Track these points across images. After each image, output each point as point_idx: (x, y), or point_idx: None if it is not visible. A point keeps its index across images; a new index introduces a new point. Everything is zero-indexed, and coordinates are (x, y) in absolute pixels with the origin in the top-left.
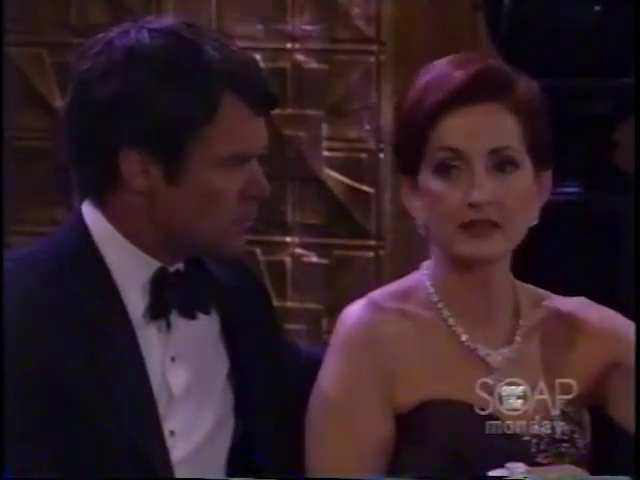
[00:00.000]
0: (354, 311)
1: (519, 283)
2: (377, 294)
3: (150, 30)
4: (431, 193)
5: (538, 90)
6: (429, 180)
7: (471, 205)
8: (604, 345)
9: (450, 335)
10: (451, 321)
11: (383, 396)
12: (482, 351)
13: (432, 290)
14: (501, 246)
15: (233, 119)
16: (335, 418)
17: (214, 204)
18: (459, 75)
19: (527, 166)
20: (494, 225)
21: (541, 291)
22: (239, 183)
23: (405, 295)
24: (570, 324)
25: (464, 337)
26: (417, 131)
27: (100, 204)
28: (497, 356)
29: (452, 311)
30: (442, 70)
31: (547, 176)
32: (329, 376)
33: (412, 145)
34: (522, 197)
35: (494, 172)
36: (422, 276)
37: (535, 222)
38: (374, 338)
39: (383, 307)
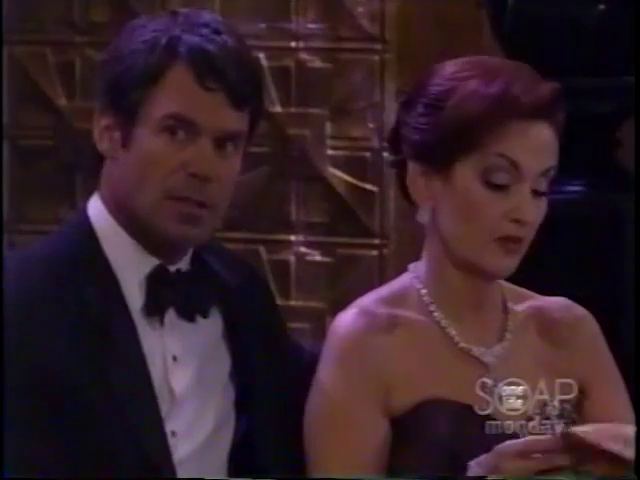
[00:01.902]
0: (346, 320)
1: (501, 282)
2: (367, 300)
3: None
4: (471, 197)
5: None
6: (470, 182)
7: (516, 221)
8: (583, 345)
9: (444, 337)
10: (444, 323)
11: (377, 402)
12: (476, 351)
13: (424, 292)
14: (516, 264)
15: (177, 85)
16: (330, 426)
17: (149, 170)
18: (534, 95)
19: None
20: (521, 243)
21: (522, 290)
22: (180, 155)
23: (396, 299)
24: (552, 323)
25: (457, 338)
26: (475, 137)
27: (99, 185)
28: (491, 354)
29: (445, 313)
30: (510, 85)
31: None
32: (324, 384)
33: (461, 145)
34: (541, 220)
35: (533, 195)
36: (412, 279)
37: None
38: (366, 346)
39: (374, 313)
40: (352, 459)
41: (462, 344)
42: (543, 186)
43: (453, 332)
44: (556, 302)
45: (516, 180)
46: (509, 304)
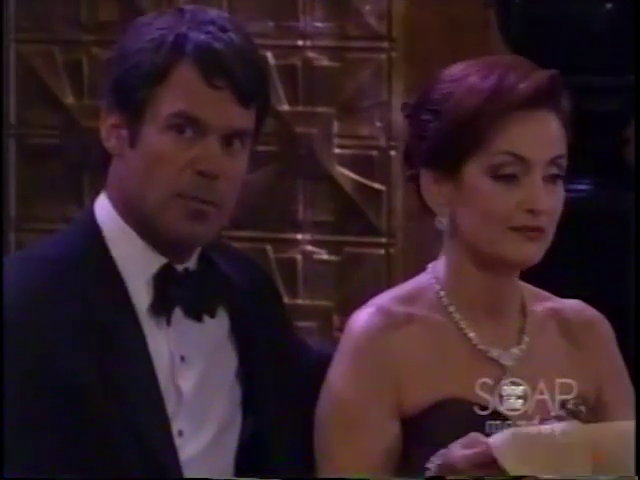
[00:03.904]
0: (362, 318)
1: (521, 283)
2: (384, 299)
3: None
4: (481, 193)
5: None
6: (479, 179)
7: (530, 212)
8: (598, 346)
9: (461, 337)
10: (462, 324)
11: (390, 402)
12: (494, 352)
13: (442, 293)
14: (540, 252)
15: (184, 82)
16: (343, 424)
17: (157, 169)
18: (529, 83)
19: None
20: (541, 232)
21: (540, 291)
22: (187, 153)
23: (412, 298)
24: (567, 324)
25: (476, 340)
26: (477, 133)
27: (107, 183)
28: (509, 356)
29: (463, 313)
30: (505, 75)
31: None
32: (337, 382)
33: (465, 144)
34: (560, 206)
35: (546, 182)
36: (429, 279)
37: None
38: (382, 344)
39: (391, 312)
40: (361, 459)
41: (480, 345)
42: (555, 172)
43: (472, 333)
44: (571, 304)
45: (525, 172)
46: (528, 306)
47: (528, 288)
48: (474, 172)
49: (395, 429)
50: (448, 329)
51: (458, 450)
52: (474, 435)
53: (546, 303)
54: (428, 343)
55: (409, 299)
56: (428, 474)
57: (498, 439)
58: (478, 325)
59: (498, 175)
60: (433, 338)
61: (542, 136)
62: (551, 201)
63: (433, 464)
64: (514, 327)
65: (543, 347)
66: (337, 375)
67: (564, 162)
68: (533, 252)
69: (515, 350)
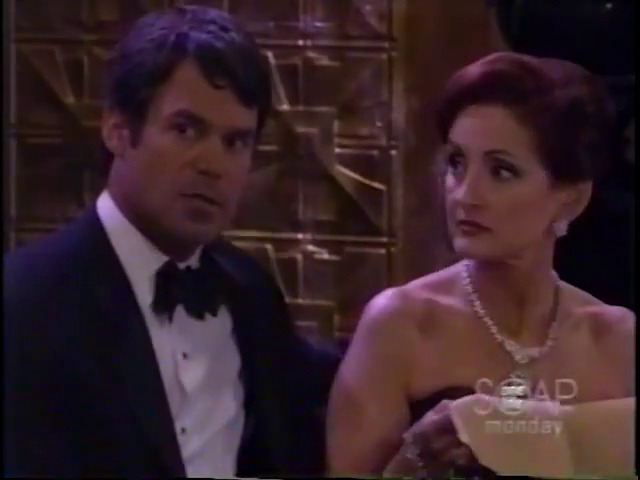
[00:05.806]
0: (380, 301)
1: (564, 285)
2: (412, 285)
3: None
4: (445, 186)
5: (570, 101)
6: (445, 174)
7: (462, 205)
8: (631, 358)
9: (481, 327)
10: (482, 313)
11: (400, 383)
12: (510, 346)
13: (468, 281)
14: (490, 248)
15: (186, 82)
16: (351, 403)
17: (159, 168)
18: (472, 73)
19: (534, 176)
20: (480, 228)
21: (585, 294)
22: (189, 152)
23: (442, 286)
24: (606, 331)
25: (493, 329)
26: (440, 123)
27: (108, 183)
28: (525, 353)
29: (485, 304)
30: (466, 67)
31: (582, 188)
32: (350, 362)
33: (439, 134)
34: (518, 205)
35: (489, 176)
36: (462, 267)
37: (562, 233)
38: (396, 328)
39: (410, 296)
40: (370, 441)
41: (497, 336)
42: (501, 172)
43: (490, 322)
44: (615, 311)
45: (465, 164)
46: (562, 308)
47: (570, 290)
48: (443, 167)
49: (404, 407)
50: (469, 318)
51: (429, 416)
52: (445, 401)
53: (587, 307)
54: (444, 329)
55: (437, 286)
56: (405, 445)
57: (457, 404)
58: (500, 318)
59: (449, 164)
60: (452, 326)
61: (480, 128)
62: (491, 196)
63: (409, 433)
64: (538, 327)
65: (567, 352)
66: (351, 356)
67: (511, 160)
68: (475, 247)
69: (534, 350)
